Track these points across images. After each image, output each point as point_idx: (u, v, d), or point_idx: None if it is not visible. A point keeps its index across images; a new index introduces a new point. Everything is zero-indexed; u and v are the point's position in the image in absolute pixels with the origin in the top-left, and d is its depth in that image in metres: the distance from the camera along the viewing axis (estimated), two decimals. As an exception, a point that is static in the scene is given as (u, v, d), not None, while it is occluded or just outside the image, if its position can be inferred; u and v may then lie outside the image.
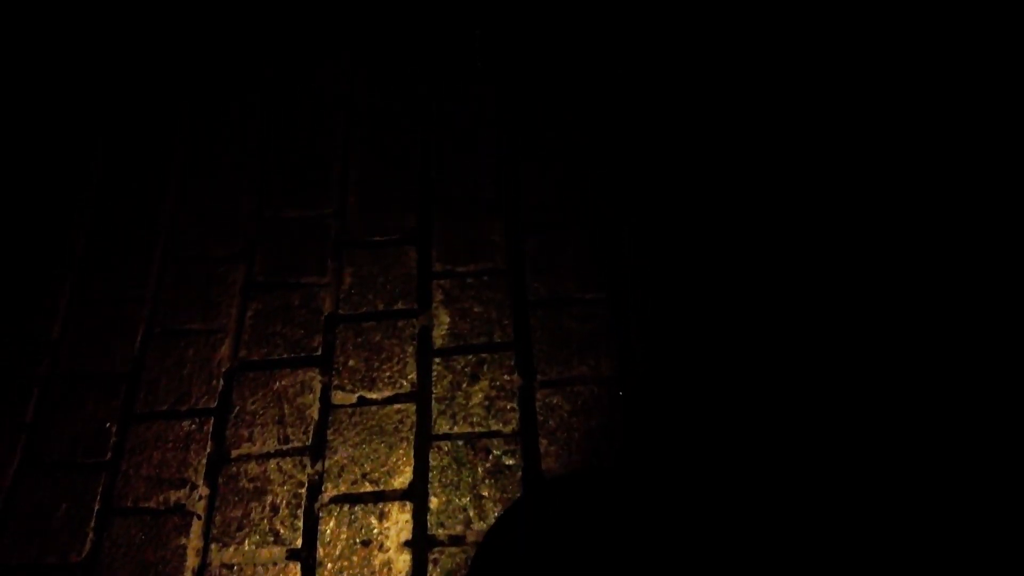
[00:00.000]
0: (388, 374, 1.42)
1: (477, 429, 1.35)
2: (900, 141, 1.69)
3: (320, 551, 1.27)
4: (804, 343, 1.42)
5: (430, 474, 1.32)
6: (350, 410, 1.39)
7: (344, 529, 1.28)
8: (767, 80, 1.80)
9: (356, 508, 1.30)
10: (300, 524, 1.29)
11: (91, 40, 2.00)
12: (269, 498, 1.32)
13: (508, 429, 1.34)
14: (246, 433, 1.38)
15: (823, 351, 1.41)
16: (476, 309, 1.49)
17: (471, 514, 1.28)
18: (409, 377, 1.42)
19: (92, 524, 1.33)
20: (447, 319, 1.48)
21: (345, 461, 1.34)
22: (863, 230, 1.56)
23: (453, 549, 1.25)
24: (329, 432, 1.37)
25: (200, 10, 2.05)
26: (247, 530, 1.30)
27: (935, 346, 1.40)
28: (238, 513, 1.31)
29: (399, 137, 1.75)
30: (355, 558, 1.26)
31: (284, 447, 1.36)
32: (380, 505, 1.30)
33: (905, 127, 1.72)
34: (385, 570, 1.25)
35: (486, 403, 1.37)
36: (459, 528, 1.27)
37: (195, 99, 1.86)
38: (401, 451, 1.34)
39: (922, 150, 1.68)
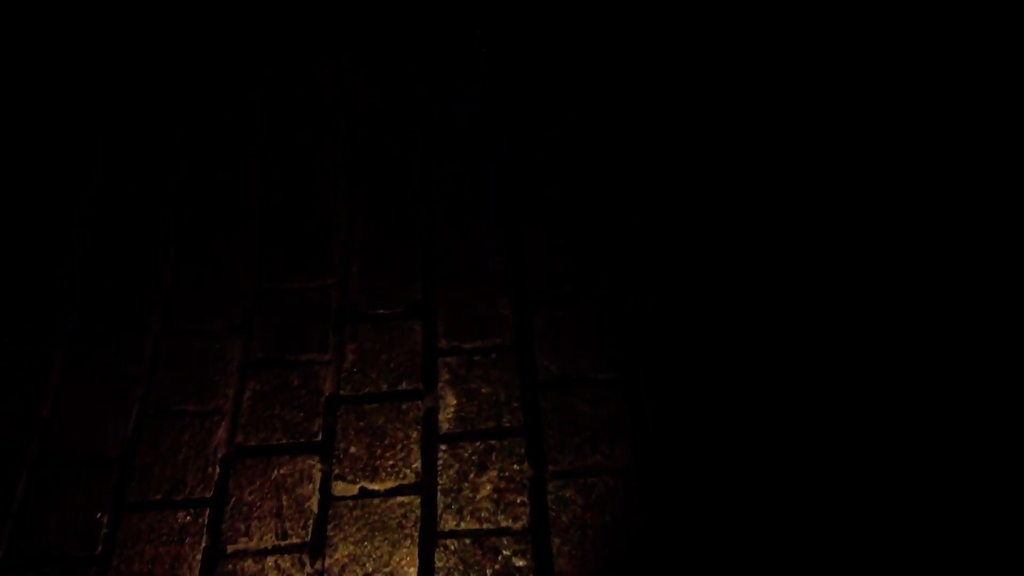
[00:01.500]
0: (391, 463, 1.36)
1: (485, 526, 1.28)
2: (900, 141, 1.63)
3: (319, 660, 1.20)
4: (828, 426, 1.35)
5: None
6: (351, 503, 1.32)
7: (345, 636, 1.22)
8: (771, 132, 1.74)
9: (357, 612, 1.23)
10: (298, 629, 1.23)
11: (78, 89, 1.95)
12: (266, 600, 1.25)
13: (518, 526, 1.27)
14: (243, 527, 1.32)
15: (849, 432, 1.34)
16: (484, 390, 1.43)
17: (479, 620, 1.21)
18: (413, 466, 1.35)
19: (80, 627, 1.26)
20: (453, 401, 1.42)
21: (346, 560, 1.27)
22: (879, 293, 1.49)
23: (460, 659, 1.19)
24: (329, 527, 1.30)
25: (192, 55, 2.01)
26: (243, 635, 1.23)
27: (954, 386, 1.33)
28: (233, 616, 1.25)
29: (403, 202, 1.70)
30: (356, 668, 1.19)
31: (282, 543, 1.30)
32: (383, 609, 1.23)
33: (905, 126, 1.65)
34: None
35: (495, 496, 1.31)
36: (466, 636, 1.20)
37: (193, 165, 1.81)
38: (405, 549, 1.27)
39: (921, 150, 1.62)
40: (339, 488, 1.34)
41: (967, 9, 1.90)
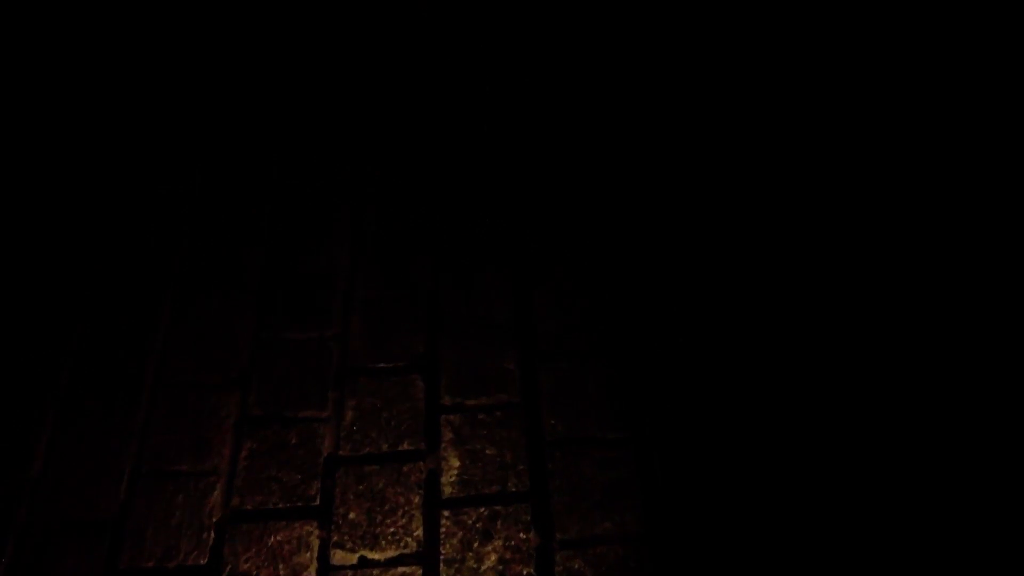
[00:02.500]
0: (392, 530, 1.30)
1: (490, 600, 1.22)
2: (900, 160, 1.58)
3: None
4: (849, 491, 1.30)
5: (438, 652, 1.19)
6: (350, 573, 1.27)
7: None
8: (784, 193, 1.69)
9: None
10: None
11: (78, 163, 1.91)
12: (261, 678, 1.20)
13: (524, 600, 1.22)
14: (237, 598, 1.27)
15: (870, 497, 1.28)
16: (488, 451, 1.38)
17: None
18: (415, 534, 1.30)
19: None
20: (456, 463, 1.37)
21: (345, 636, 1.22)
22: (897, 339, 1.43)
23: None
24: (327, 600, 1.25)
25: (201, 119, 1.97)
26: None
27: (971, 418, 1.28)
28: None
29: (407, 253, 1.65)
30: None
31: (278, 616, 1.24)
32: None
33: (903, 131, 1.60)
34: None
35: (500, 567, 1.25)
36: None
37: (194, 211, 1.77)
38: (406, 625, 1.22)
39: (918, 155, 1.57)
40: (338, 557, 1.28)
41: (964, 11, 1.86)
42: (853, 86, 1.86)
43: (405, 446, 1.39)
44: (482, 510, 1.31)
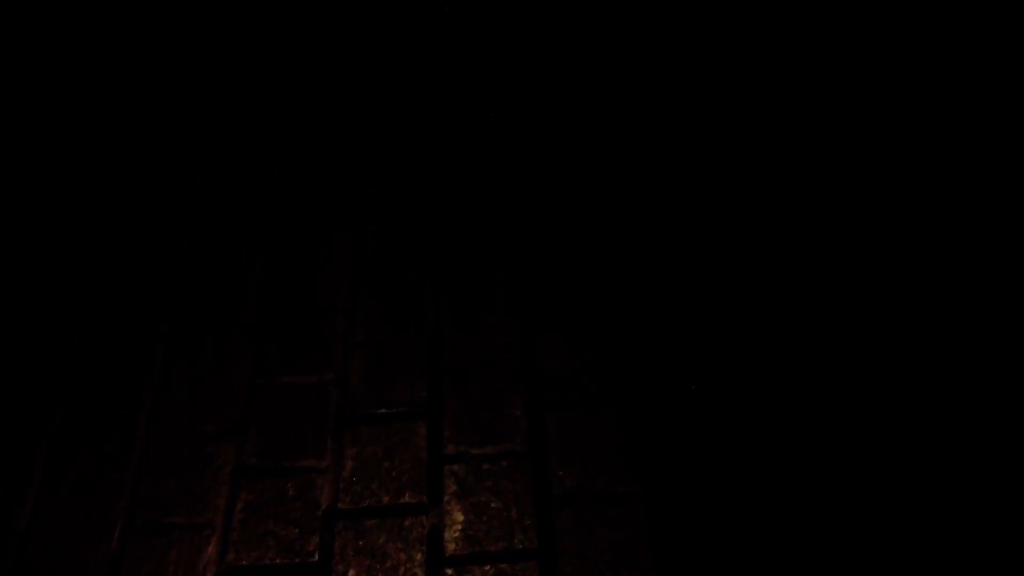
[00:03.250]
0: (393, 590, 1.25)
1: (495, 668, 1.17)
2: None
3: None
4: (873, 544, 1.24)
5: None
6: (350, 637, 1.21)
7: None
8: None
9: None
10: None
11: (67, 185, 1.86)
12: None
13: (531, 668, 1.17)
14: (231, 662, 1.21)
15: (896, 549, 1.23)
16: (494, 504, 1.32)
17: None
18: (417, 595, 1.24)
19: None
20: (460, 517, 1.31)
21: None
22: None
23: None
24: (325, 666, 1.20)
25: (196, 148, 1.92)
26: None
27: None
28: None
29: (409, 293, 1.60)
30: None
31: None
32: None
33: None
34: None
35: (505, 632, 1.20)
36: None
37: (189, 248, 1.72)
38: None
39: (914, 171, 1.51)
40: (336, 619, 1.23)
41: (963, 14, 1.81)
42: (852, 87, 1.81)
43: (407, 498, 1.34)
44: (487, 568, 1.26)
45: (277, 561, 1.29)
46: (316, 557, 1.29)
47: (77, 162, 1.90)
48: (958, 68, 1.79)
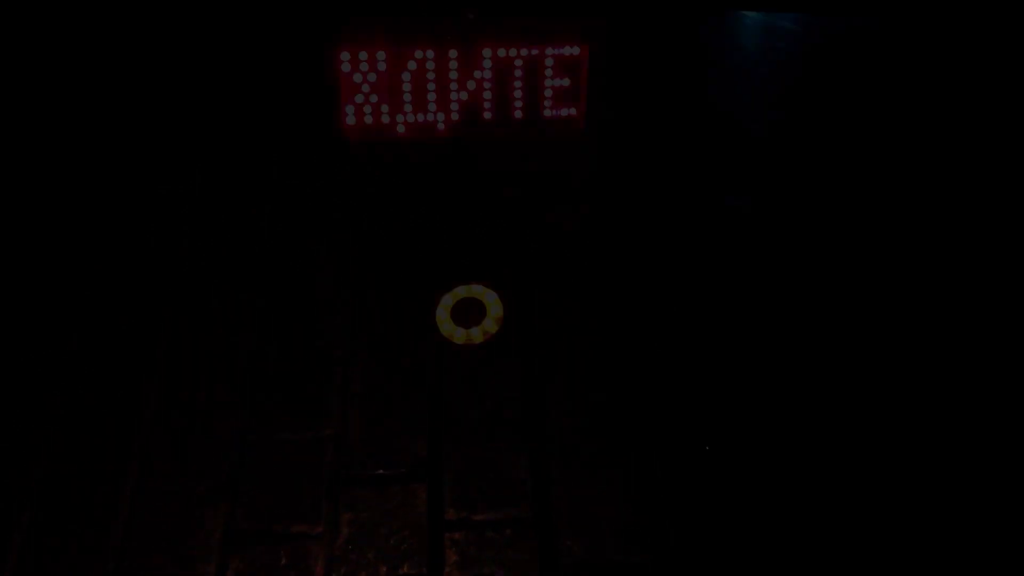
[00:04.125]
0: (390, 673, 1.18)
1: None
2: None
3: None
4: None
5: None
6: None
7: None
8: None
9: None
10: None
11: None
12: None
13: None
14: None
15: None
16: (498, 576, 1.25)
17: None
18: None
19: None
20: (462, 591, 1.24)
21: None
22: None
23: None
24: None
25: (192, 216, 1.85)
26: None
27: None
28: None
29: (409, 345, 1.53)
30: None
31: None
32: None
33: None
34: None
35: None
36: None
37: (181, 297, 1.65)
38: None
39: None
40: None
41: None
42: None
43: (405, 570, 1.26)
44: (491, 651, 1.18)
45: (268, 638, 1.23)
46: (309, 635, 1.22)
47: (77, 162, 1.85)
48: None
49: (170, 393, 1.50)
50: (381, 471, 1.37)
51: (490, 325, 1.55)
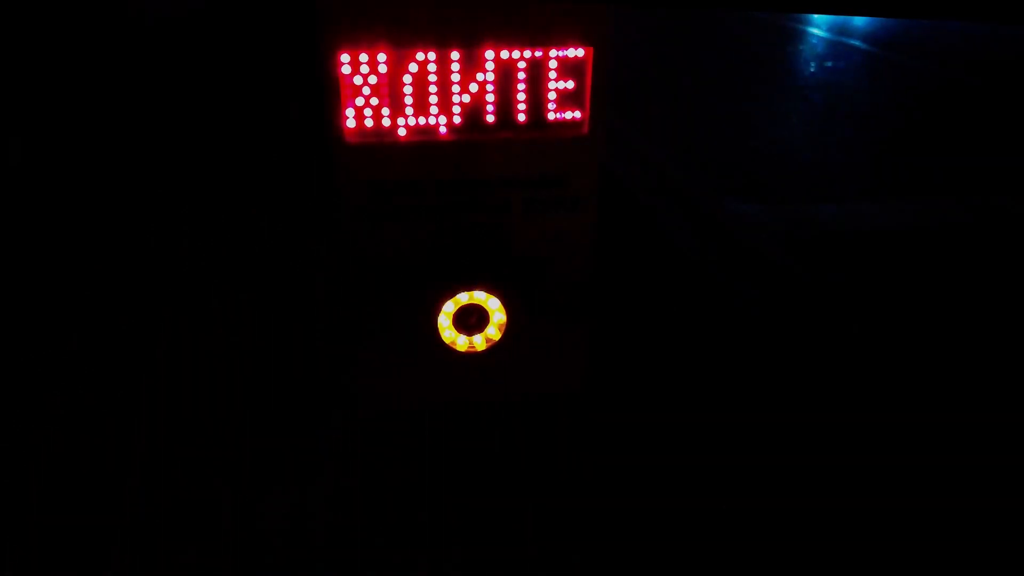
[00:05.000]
0: None
1: None
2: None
3: None
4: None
5: None
6: None
7: None
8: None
9: None
10: None
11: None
12: None
13: None
14: None
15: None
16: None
17: None
18: None
19: None
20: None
21: None
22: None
23: None
24: None
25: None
26: None
27: None
28: None
29: (410, 349, 1.52)
30: None
31: None
32: None
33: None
34: None
35: None
36: None
37: (181, 297, 1.64)
38: None
39: None
40: None
41: None
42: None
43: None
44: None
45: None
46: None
47: (77, 163, 1.84)
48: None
49: (170, 393, 1.50)
50: (384, 482, 1.37)
51: (493, 332, 1.55)
